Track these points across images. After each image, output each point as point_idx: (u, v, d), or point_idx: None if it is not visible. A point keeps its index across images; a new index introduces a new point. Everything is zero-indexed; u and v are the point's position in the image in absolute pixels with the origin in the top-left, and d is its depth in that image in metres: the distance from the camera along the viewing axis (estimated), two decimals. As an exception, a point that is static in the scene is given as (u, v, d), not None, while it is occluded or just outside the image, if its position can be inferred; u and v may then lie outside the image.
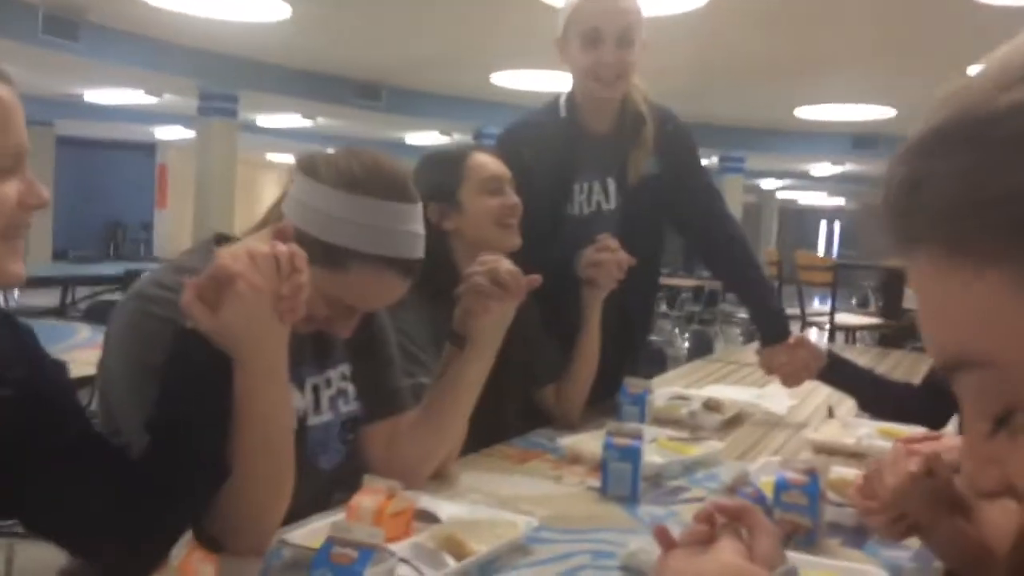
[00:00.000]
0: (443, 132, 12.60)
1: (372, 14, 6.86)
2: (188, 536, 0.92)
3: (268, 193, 19.25)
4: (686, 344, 5.77)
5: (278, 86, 9.47)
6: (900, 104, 9.32)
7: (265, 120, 12.14)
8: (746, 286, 2.19)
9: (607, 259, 1.84)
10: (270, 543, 1.11)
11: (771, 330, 2.12)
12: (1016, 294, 0.39)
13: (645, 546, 1.14)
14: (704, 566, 0.79)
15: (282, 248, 1.03)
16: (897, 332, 4.84)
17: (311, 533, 1.13)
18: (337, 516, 1.17)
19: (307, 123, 12.26)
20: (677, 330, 7.25)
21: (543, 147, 2.00)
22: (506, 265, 1.46)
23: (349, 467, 1.36)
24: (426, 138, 13.25)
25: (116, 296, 5.43)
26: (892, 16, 6.04)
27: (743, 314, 10.16)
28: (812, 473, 1.26)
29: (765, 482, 1.30)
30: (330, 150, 1.24)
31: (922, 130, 0.45)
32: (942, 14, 5.86)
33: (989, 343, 0.41)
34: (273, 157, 18.00)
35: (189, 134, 11.14)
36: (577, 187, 2.03)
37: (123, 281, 6.26)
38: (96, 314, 4.42)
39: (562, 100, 2.06)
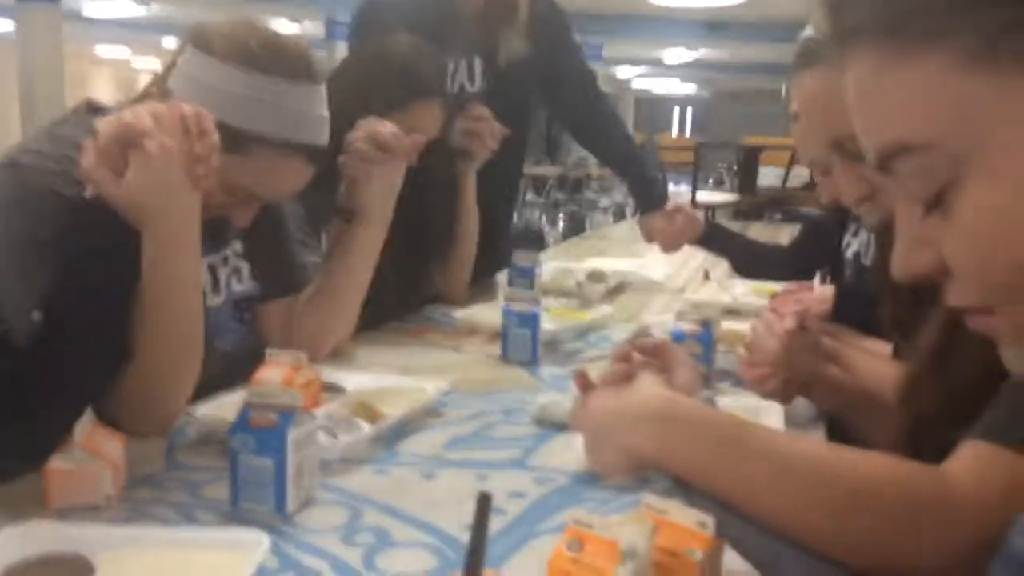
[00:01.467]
0: (292, 19, 11.95)
1: None
2: (90, 414, 0.87)
3: (102, 93, 17.86)
4: (560, 225, 5.89)
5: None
6: (751, -12, 9.57)
7: (93, 9, 11.12)
8: (623, 158, 2.24)
9: (482, 128, 1.81)
10: (173, 425, 1.07)
11: (649, 198, 2.18)
12: (959, 73, 0.40)
13: (556, 398, 1.17)
14: (629, 399, 0.81)
15: (187, 108, 0.95)
16: (752, 206, 5.09)
17: (218, 407, 1.10)
18: (241, 393, 1.13)
19: (140, 11, 11.32)
20: (545, 217, 7.37)
21: (409, 16, 1.94)
22: (388, 127, 1.41)
23: (245, 348, 1.32)
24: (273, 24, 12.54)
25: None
26: None
27: (606, 200, 10.42)
28: (706, 324, 1.32)
29: (662, 335, 1.35)
30: (223, 21, 1.14)
31: None
32: None
33: (931, 125, 0.42)
34: (104, 51, 16.63)
35: (8, 26, 10.07)
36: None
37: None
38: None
39: None
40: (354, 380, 1.24)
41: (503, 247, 2.21)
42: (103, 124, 0.99)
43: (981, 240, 0.42)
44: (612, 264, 2.31)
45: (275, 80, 1.09)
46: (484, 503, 0.50)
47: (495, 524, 0.83)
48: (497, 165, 1.86)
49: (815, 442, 0.85)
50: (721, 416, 0.77)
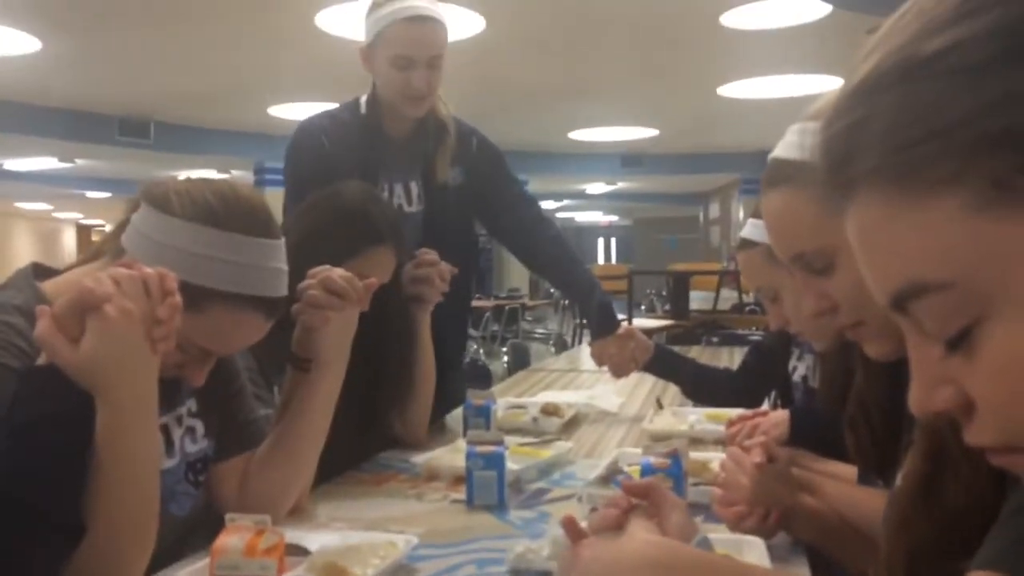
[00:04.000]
0: (221, 169, 12.05)
1: (133, 46, 6.44)
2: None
3: (22, 245, 17.54)
4: (504, 360, 5.88)
5: (30, 127, 8.66)
6: (662, 125, 10.10)
7: (14, 164, 11.05)
8: (573, 283, 2.28)
9: (430, 273, 1.82)
10: (128, 602, 0.99)
11: (601, 323, 2.20)
12: (976, 215, 0.41)
13: (531, 546, 1.13)
14: (623, 548, 0.79)
15: (149, 270, 0.93)
16: (687, 331, 5.20)
17: (177, 583, 1.03)
18: (199, 563, 1.07)
19: (64, 165, 11.29)
20: (482, 351, 7.38)
21: (344, 140, 2.02)
22: (338, 272, 1.41)
23: (201, 511, 1.25)
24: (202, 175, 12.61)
25: None
26: (650, 42, 6.52)
27: (542, 330, 10.50)
28: (674, 455, 1.31)
29: (631, 468, 1.34)
30: (180, 178, 1.14)
31: (855, 81, 0.47)
32: (693, 38, 6.41)
33: (951, 265, 0.42)
34: (25, 206, 16.44)
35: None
36: (378, 187, 2.02)
37: None
38: None
39: (363, 99, 2.09)
40: (318, 539, 1.18)
41: (455, 386, 2.19)
42: (58, 290, 0.96)
43: (1010, 380, 0.42)
44: (564, 397, 2.30)
45: (233, 235, 1.09)
46: None
47: None
48: (446, 297, 1.86)
49: None
50: (721, 562, 0.75)
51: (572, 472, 1.63)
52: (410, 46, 1.96)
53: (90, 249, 1.21)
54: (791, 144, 0.97)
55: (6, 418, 0.89)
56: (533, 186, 13.71)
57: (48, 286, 1.10)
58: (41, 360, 0.92)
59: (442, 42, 2.00)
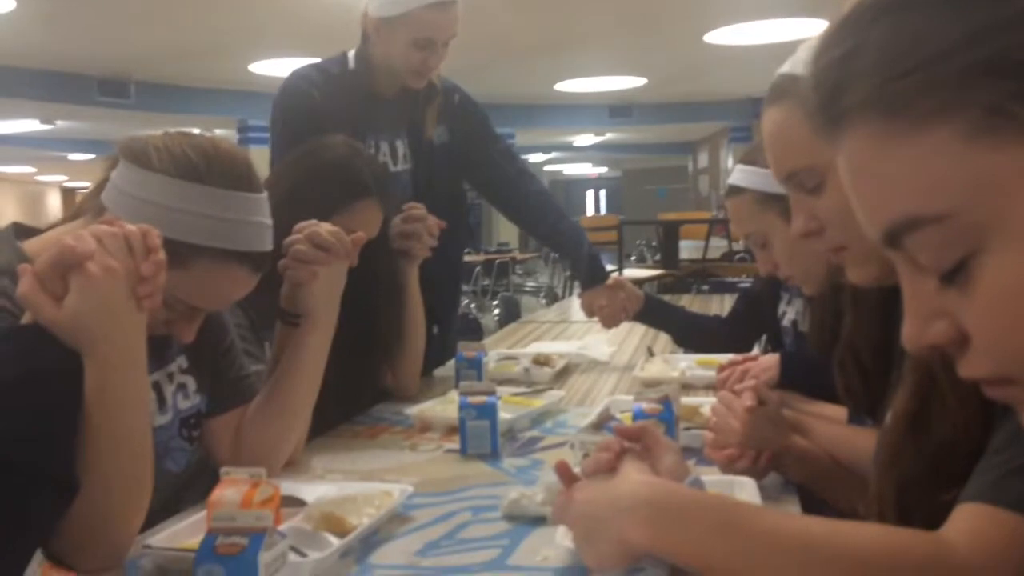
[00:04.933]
0: (204, 128, 11.91)
1: (108, 2, 6.31)
2: (39, 555, 0.81)
3: (6, 209, 17.35)
4: (495, 313, 5.90)
5: (9, 88, 8.51)
6: (650, 73, 9.98)
7: (-6, 127, 10.90)
8: (560, 236, 2.28)
9: (418, 228, 1.81)
10: (126, 557, 1.00)
11: (590, 274, 2.21)
12: (969, 145, 0.40)
13: (525, 492, 1.14)
14: (617, 488, 0.80)
15: (131, 227, 0.92)
16: (678, 280, 5.21)
17: (173, 536, 1.03)
18: (196, 516, 1.07)
19: (46, 127, 11.13)
20: (473, 305, 7.40)
21: (334, 95, 2.00)
22: (325, 227, 1.40)
23: (196, 467, 1.25)
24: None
25: None
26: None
27: (532, 283, 10.51)
28: (665, 401, 1.32)
29: (623, 415, 1.35)
30: (155, 133, 1.12)
31: (844, 12, 0.47)
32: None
33: (944, 197, 0.41)
34: (8, 169, 16.23)
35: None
36: (365, 144, 2.01)
37: None
38: None
39: (350, 55, 2.08)
40: (314, 491, 1.19)
41: (446, 341, 2.20)
42: (39, 248, 0.95)
43: (1006, 311, 0.41)
44: (555, 347, 2.31)
45: (215, 190, 1.08)
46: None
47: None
48: (436, 253, 1.86)
49: (806, 518, 0.85)
50: (713, 499, 0.76)
51: (564, 420, 1.64)
52: (435, 30, 1.98)
53: (72, 209, 1.20)
54: (799, 60, 0.97)
55: None
56: (520, 139, 13.64)
57: (29, 245, 1.08)
58: (26, 319, 0.91)
59: (458, 19, 2.02)
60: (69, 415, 0.91)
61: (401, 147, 2.09)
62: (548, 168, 21.10)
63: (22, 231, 1.13)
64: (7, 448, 0.87)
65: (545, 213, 2.25)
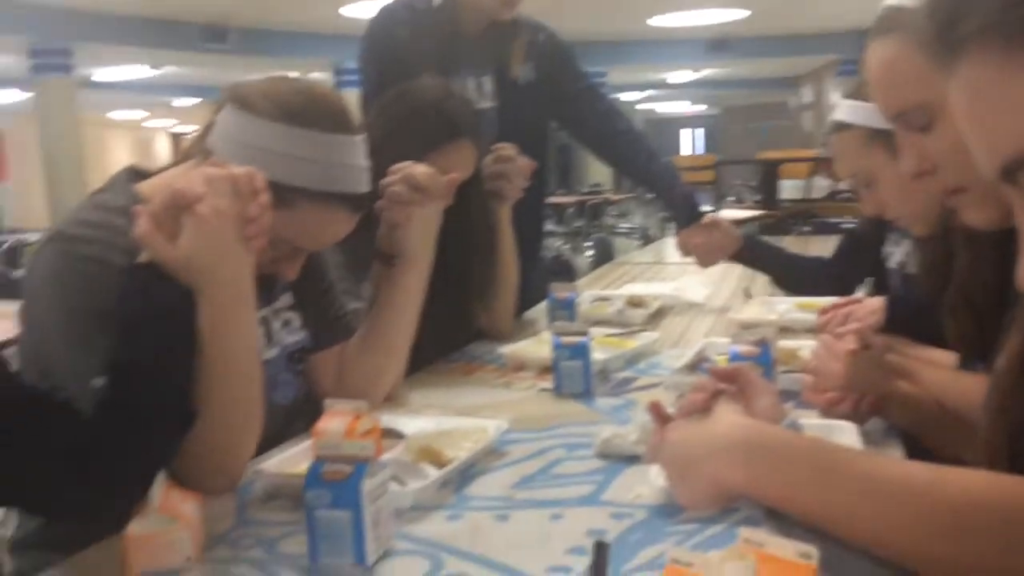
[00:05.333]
0: (302, 72, 12.11)
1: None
2: (163, 476, 0.86)
3: (119, 155, 18.13)
4: (589, 255, 5.88)
5: (115, 35, 8.83)
6: (752, 4, 9.57)
7: (104, 74, 11.33)
8: (653, 175, 2.25)
9: (509, 169, 1.81)
10: (239, 481, 1.06)
11: (685, 213, 2.17)
12: None
13: (619, 431, 1.15)
14: (712, 429, 0.80)
15: (238, 170, 0.96)
16: (778, 221, 5.07)
17: (282, 462, 1.09)
18: (302, 445, 1.13)
19: (152, 74, 11.53)
20: (569, 246, 7.40)
21: (419, 31, 2.01)
22: (420, 168, 1.42)
23: (302, 399, 1.31)
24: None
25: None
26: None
27: (626, 224, 10.41)
28: (763, 344, 1.30)
29: (719, 357, 1.34)
30: (258, 78, 1.15)
31: None
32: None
33: None
34: (117, 115, 16.91)
35: (25, 98, 10.30)
36: (451, 82, 2.01)
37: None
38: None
39: None
40: (412, 424, 1.23)
41: (534, 279, 2.21)
42: (152, 190, 0.99)
43: None
44: (650, 289, 2.29)
45: (316, 133, 1.10)
46: (602, 552, 0.49)
47: (581, 565, 0.81)
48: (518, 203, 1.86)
49: (907, 463, 0.83)
50: (809, 441, 0.75)
51: (658, 362, 1.64)
52: None
53: (180, 153, 1.25)
54: None
55: (113, 314, 0.95)
56: (612, 77, 13.37)
57: (143, 187, 1.14)
58: (142, 258, 0.96)
59: None
60: (186, 348, 0.96)
61: (487, 84, 2.10)
62: (641, 107, 20.64)
63: (136, 174, 1.18)
64: (127, 380, 0.93)
65: (636, 152, 2.23)
